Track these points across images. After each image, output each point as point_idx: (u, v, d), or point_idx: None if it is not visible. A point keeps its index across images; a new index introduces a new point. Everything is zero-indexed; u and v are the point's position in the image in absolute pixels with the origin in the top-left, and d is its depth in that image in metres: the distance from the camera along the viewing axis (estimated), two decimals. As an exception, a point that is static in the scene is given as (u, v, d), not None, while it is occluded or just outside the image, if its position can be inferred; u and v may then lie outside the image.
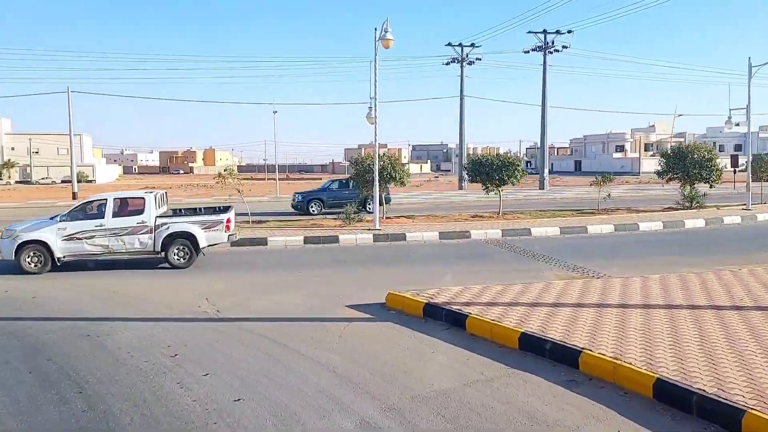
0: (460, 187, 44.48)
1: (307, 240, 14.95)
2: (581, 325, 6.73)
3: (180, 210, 13.85)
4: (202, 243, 11.95)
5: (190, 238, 11.88)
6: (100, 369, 6.06)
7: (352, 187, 24.52)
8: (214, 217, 12.28)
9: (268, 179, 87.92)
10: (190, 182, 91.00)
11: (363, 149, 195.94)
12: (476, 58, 44.87)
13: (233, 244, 14.47)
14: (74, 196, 37.34)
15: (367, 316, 8.05)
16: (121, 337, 7.13)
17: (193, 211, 13.48)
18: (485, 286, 8.83)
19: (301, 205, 23.40)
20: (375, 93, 15.84)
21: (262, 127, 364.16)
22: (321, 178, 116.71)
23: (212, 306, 8.70)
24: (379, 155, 17.25)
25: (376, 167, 16.44)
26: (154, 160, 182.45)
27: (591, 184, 21.07)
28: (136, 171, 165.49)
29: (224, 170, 18.10)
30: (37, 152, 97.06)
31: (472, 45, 44.63)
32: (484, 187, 19.53)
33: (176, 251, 11.85)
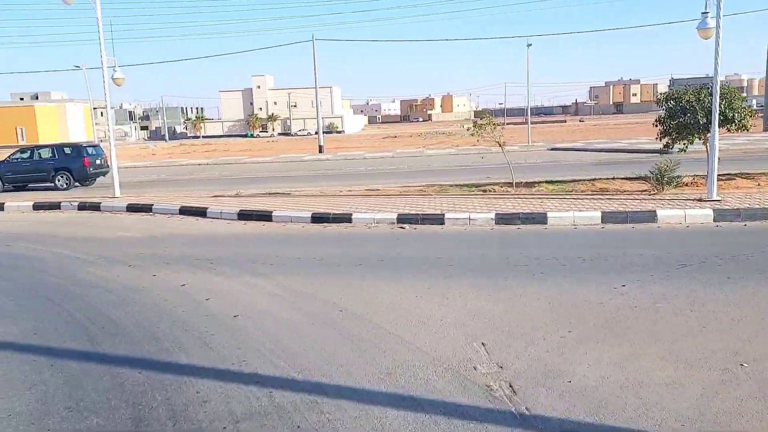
0: (766, 128, 34.52)
1: (606, 217, 10.25)
2: None
3: None
4: None
5: None
6: None
7: (40, 158, 20.11)
8: None
9: (507, 124, 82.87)
10: (428, 130, 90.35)
11: (611, 87, 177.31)
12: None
13: (499, 221, 10.48)
14: (320, 150, 37.14)
15: None
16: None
17: None
18: None
19: None
20: (721, -14, 10.02)
21: (500, 70, 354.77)
22: (565, 121, 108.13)
23: (495, 367, 4.80)
24: (704, 87, 11.59)
25: (716, 102, 10.77)
26: (395, 109, 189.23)
27: None
28: (380, 120, 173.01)
29: (481, 118, 14.07)
30: (294, 106, 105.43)
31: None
32: None
33: None
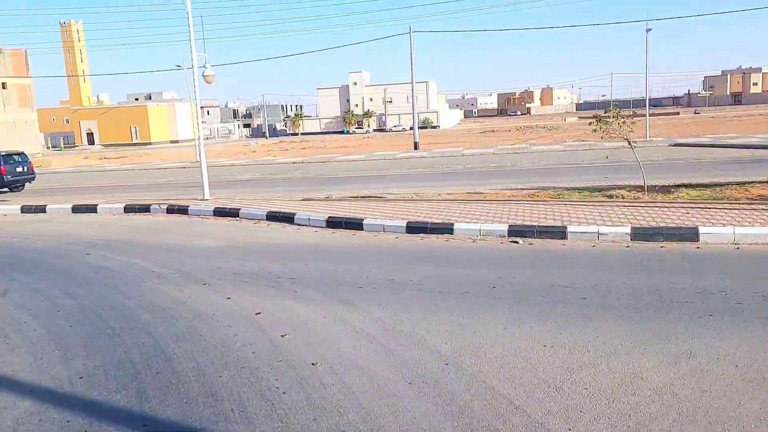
0: None
1: (778, 235, 8.09)
2: None
3: None
4: None
5: None
6: None
7: None
8: None
9: (614, 117, 77.67)
10: (527, 123, 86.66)
11: (728, 76, 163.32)
12: None
13: (635, 236, 8.58)
14: (416, 146, 35.71)
15: None
16: None
17: None
18: None
19: None
20: None
21: (601, 60, 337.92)
22: (678, 113, 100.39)
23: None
24: None
25: None
26: (492, 102, 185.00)
27: None
28: (476, 114, 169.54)
29: (605, 112, 12.09)
30: (390, 101, 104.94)
31: None
32: None
33: None
